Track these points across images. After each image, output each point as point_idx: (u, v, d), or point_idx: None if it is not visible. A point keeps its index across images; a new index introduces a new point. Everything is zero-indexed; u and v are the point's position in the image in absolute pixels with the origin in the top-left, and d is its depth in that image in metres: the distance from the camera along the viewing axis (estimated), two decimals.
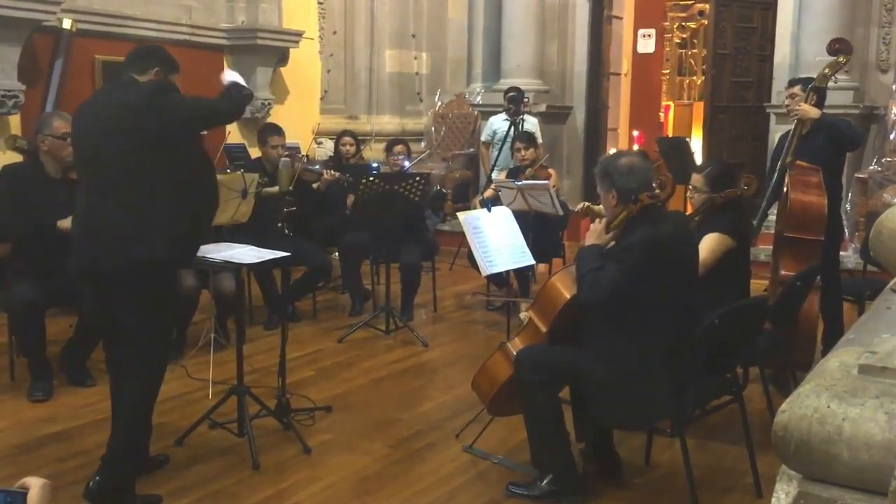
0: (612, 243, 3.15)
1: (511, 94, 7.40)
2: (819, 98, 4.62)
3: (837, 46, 4.66)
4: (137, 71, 3.18)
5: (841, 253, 5.38)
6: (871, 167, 7.40)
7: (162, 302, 3.14)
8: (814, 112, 4.53)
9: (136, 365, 3.15)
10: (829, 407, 1.62)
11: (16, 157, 5.29)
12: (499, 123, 7.62)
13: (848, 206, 7.03)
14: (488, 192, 6.59)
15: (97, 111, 3.13)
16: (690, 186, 4.01)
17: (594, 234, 3.18)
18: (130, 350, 3.17)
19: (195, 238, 3.29)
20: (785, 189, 4.46)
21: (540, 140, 7.35)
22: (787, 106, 4.92)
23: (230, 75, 3.30)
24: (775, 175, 4.74)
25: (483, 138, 8.03)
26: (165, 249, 3.02)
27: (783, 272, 4.33)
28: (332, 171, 5.91)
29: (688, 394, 3.06)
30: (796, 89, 4.84)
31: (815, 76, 4.75)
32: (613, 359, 3.02)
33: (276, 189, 5.36)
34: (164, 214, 3.02)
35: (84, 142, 3.18)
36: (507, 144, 7.11)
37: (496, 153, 7.46)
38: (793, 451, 1.65)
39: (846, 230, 6.47)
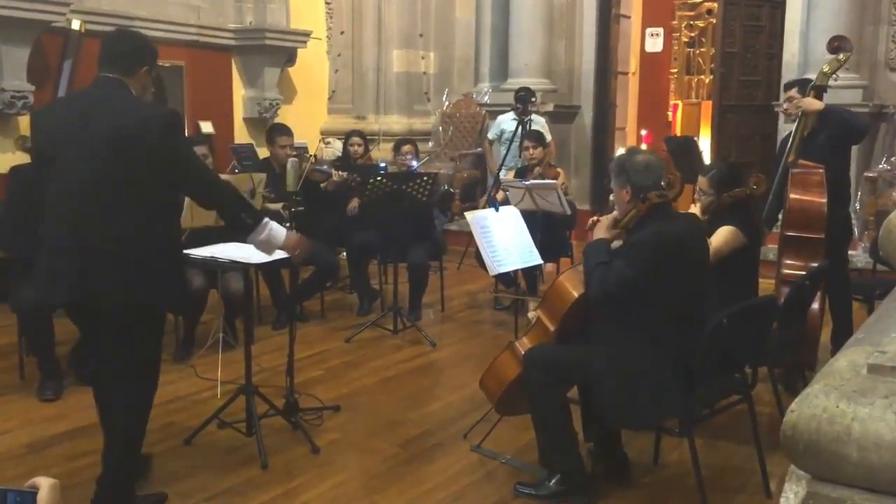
0: (619, 242, 3.15)
1: (521, 93, 7.39)
2: (819, 98, 4.60)
3: (837, 44, 4.65)
4: (124, 71, 2.88)
5: (850, 252, 5.36)
6: (881, 166, 7.38)
7: (152, 335, 2.99)
8: (817, 104, 4.51)
9: (122, 399, 2.95)
10: (838, 407, 1.61)
11: (24, 158, 5.32)
12: (506, 122, 7.62)
13: (857, 206, 7.01)
14: (499, 196, 6.57)
15: (85, 118, 2.81)
16: (697, 189, 4.01)
17: (602, 228, 3.19)
18: (115, 383, 2.96)
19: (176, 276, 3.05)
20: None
21: (549, 138, 7.35)
22: (786, 109, 4.91)
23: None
24: (777, 175, 4.73)
25: (490, 136, 8.04)
26: (163, 287, 2.88)
27: (784, 271, 4.35)
28: (341, 172, 5.92)
29: (696, 393, 3.05)
30: (793, 92, 4.84)
31: (814, 77, 4.73)
32: (622, 358, 3.02)
33: (279, 205, 5.28)
34: (159, 251, 2.86)
35: (63, 148, 2.83)
36: (515, 143, 7.11)
37: (504, 152, 7.46)
38: (802, 452, 1.64)
39: (855, 229, 6.44)
